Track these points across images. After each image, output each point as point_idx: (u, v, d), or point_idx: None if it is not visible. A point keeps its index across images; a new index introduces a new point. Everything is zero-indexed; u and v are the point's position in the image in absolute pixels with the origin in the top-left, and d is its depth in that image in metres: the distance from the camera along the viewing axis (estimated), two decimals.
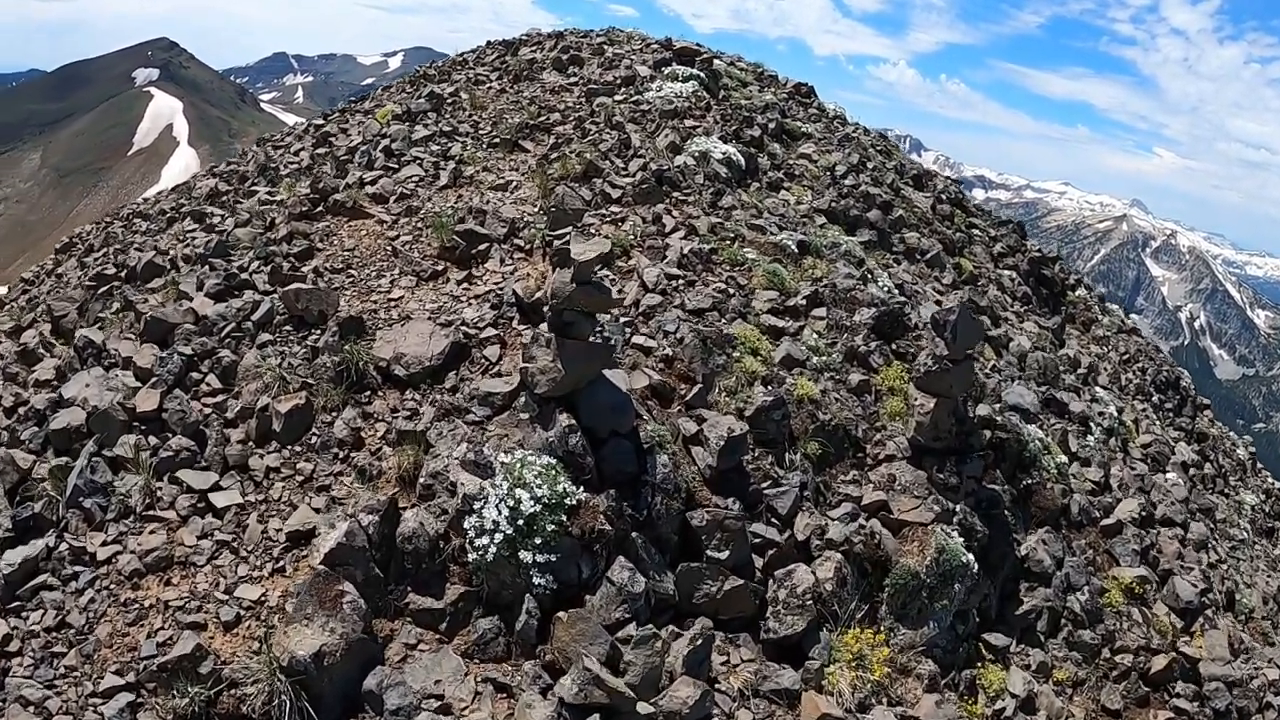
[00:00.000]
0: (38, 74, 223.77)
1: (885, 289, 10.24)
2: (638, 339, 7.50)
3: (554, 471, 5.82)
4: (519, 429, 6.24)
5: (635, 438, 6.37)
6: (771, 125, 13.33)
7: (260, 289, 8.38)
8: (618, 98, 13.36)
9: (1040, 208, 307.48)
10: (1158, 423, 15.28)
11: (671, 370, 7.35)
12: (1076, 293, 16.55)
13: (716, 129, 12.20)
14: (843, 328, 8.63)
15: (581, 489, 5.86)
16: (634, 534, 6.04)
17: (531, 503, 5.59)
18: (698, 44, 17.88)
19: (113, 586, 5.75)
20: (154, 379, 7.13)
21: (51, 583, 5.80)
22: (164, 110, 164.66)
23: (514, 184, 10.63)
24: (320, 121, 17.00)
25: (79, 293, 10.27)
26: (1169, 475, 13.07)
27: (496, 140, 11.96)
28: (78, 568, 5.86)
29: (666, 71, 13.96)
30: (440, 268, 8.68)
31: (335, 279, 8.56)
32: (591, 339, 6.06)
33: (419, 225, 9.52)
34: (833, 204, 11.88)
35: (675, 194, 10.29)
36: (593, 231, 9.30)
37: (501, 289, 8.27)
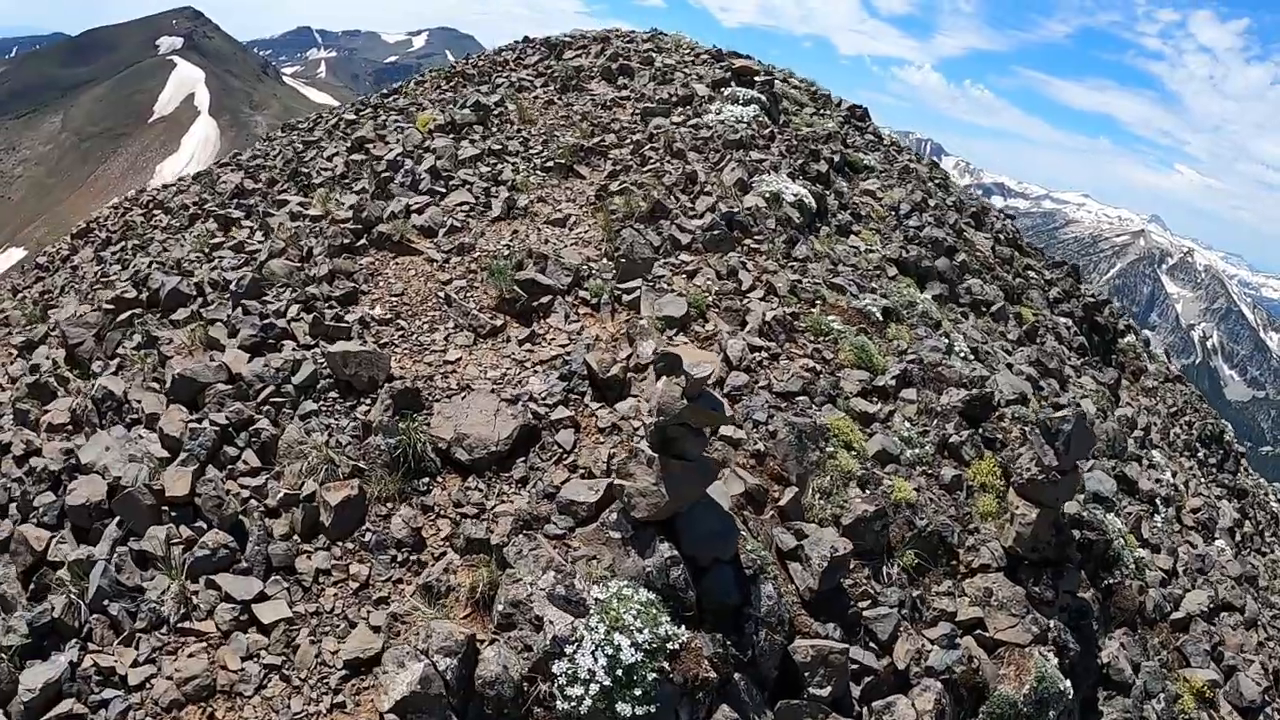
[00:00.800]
0: (61, 38, 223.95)
1: (963, 354, 9.59)
2: (725, 428, 6.79)
3: (654, 609, 5.15)
4: (608, 549, 5.54)
5: (736, 562, 5.70)
6: (836, 158, 12.54)
7: (300, 341, 7.60)
8: (675, 119, 12.51)
9: (1059, 218, 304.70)
10: (1203, 480, 14.86)
11: (763, 468, 6.66)
12: (1126, 339, 15.97)
13: (784, 164, 11.40)
14: (933, 412, 7.96)
15: (683, 627, 5.20)
16: (736, 675, 5.40)
17: (632, 650, 4.92)
18: (749, 55, 16.97)
19: None
20: (185, 454, 6.36)
21: (78, 710, 5.07)
22: (186, 79, 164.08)
23: (572, 218, 9.82)
24: (351, 117, 16.05)
25: (96, 316, 9.42)
26: (1218, 542, 12.72)
27: (549, 164, 11.12)
28: (107, 692, 5.14)
29: (726, 93, 13.10)
30: (499, 322, 7.91)
31: (383, 332, 7.78)
32: (699, 458, 5.35)
33: (473, 267, 8.72)
34: (902, 252, 11.16)
35: (747, 241, 9.53)
36: (664, 285, 8.55)
37: (569, 354, 7.52)
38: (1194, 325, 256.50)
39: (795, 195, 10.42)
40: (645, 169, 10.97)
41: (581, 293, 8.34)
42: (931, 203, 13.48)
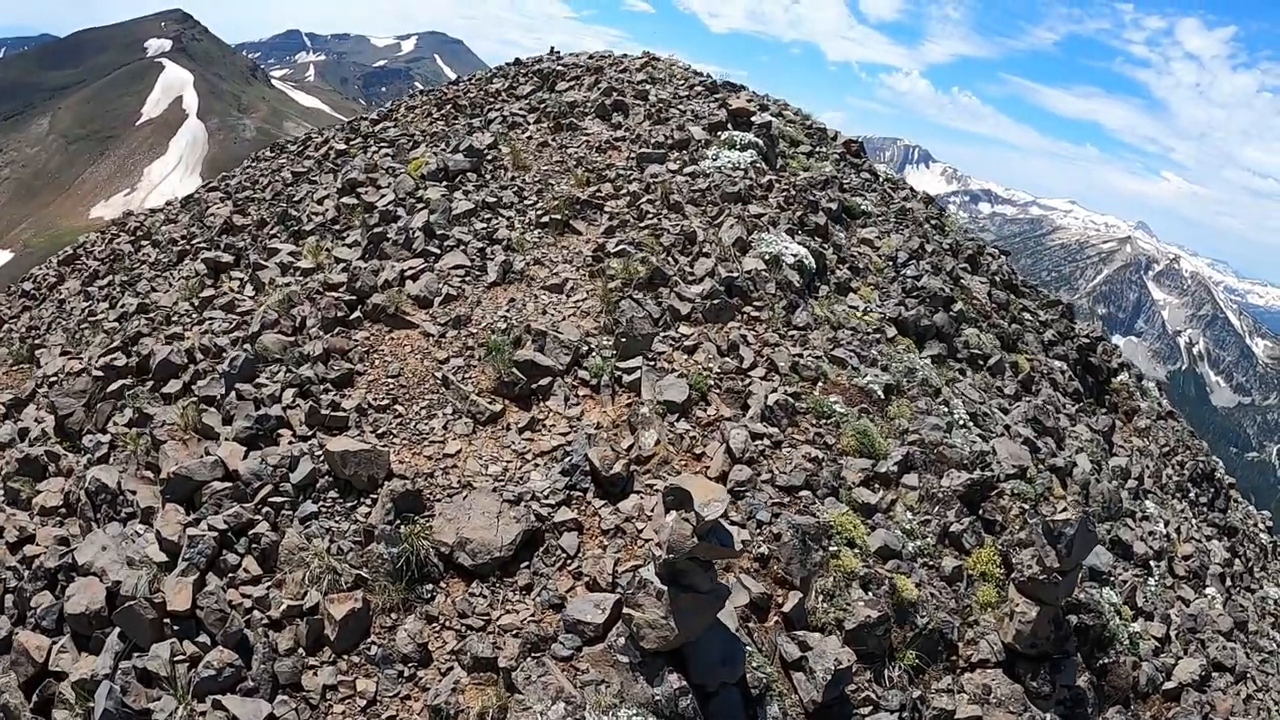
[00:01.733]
0: (50, 39, 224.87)
1: (961, 422, 9.64)
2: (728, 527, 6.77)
3: None
4: (616, 673, 5.54)
5: (743, 683, 5.72)
6: (834, 206, 12.50)
7: (297, 431, 7.50)
8: (671, 165, 12.42)
9: (1045, 225, 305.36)
10: (1194, 522, 15.07)
11: (767, 572, 6.67)
12: (1119, 378, 16.11)
13: (782, 218, 11.35)
14: (934, 498, 7.99)
15: None
16: None
17: None
18: (742, 86, 16.85)
19: None
20: (184, 563, 6.28)
21: None
22: (175, 82, 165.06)
23: (570, 284, 9.74)
24: (341, 146, 15.84)
25: (84, 383, 9.27)
26: (1209, 590, 12.90)
27: (545, 219, 11.00)
28: None
29: (723, 137, 13.00)
30: (498, 408, 7.84)
31: (380, 420, 7.69)
32: (710, 588, 5.34)
33: (469, 343, 8.64)
34: (901, 310, 11.17)
35: (747, 308, 9.49)
36: (665, 363, 8.51)
37: (570, 444, 7.48)
38: (1180, 331, 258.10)
39: (795, 256, 10.37)
40: (643, 224, 10.89)
41: (581, 372, 8.28)
42: (929, 248, 13.48)
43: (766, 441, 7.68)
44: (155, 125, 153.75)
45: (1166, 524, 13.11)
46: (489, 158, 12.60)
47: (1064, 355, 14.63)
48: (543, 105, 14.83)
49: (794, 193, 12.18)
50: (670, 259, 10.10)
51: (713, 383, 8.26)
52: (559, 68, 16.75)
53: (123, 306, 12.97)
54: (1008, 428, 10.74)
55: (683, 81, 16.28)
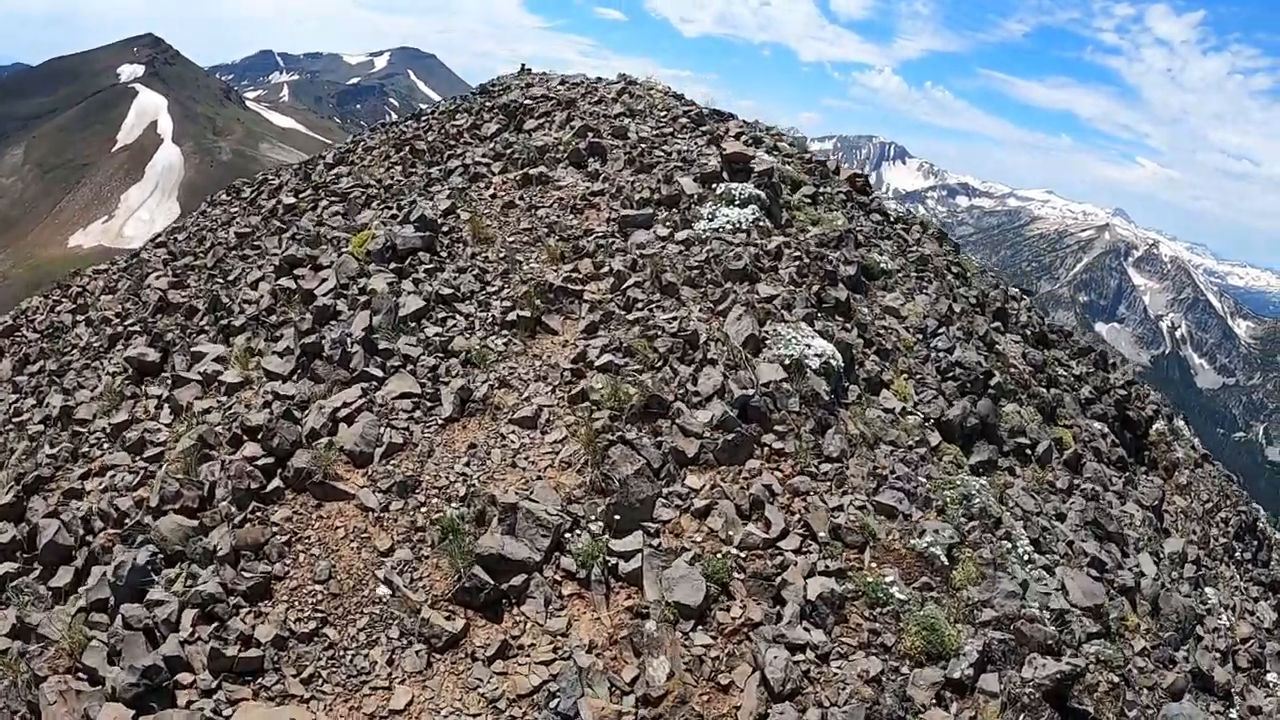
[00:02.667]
0: (22, 68, 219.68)
1: (1026, 555, 8.02)
2: None
3: None
4: None
5: None
6: (853, 272, 10.70)
7: (199, 679, 5.63)
8: (660, 230, 10.54)
9: (1023, 216, 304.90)
10: (1242, 585, 13.76)
11: None
12: (1155, 428, 14.63)
13: (797, 298, 9.53)
14: (1017, 703, 6.32)
15: None
16: None
17: None
18: (731, 114, 14.96)
19: None
20: None
21: None
22: (149, 107, 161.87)
23: (545, 414, 7.89)
24: (291, 200, 13.90)
25: None
26: (1269, 676, 11.64)
27: (512, 316, 9.10)
28: None
29: (719, 190, 11.12)
30: (458, 626, 6.01)
31: (306, 655, 5.83)
32: None
33: (419, 521, 6.77)
34: (942, 405, 9.49)
35: (767, 437, 7.71)
36: (671, 538, 6.71)
37: (557, 679, 5.70)
38: (1162, 316, 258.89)
39: (820, 357, 8.59)
40: (631, 317, 9.05)
41: (564, 559, 6.47)
42: (956, 308, 11.78)
43: (811, 655, 5.94)
44: (131, 151, 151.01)
45: (1225, 609, 11.72)
46: (445, 229, 10.62)
47: (1102, 414, 13.09)
48: (509, 150, 12.82)
49: (807, 260, 10.36)
50: (669, 370, 8.28)
51: (734, 565, 6.49)
52: (527, 101, 14.68)
53: (47, 406, 11.43)
54: (1070, 544, 9.15)
55: (665, 112, 14.31)
